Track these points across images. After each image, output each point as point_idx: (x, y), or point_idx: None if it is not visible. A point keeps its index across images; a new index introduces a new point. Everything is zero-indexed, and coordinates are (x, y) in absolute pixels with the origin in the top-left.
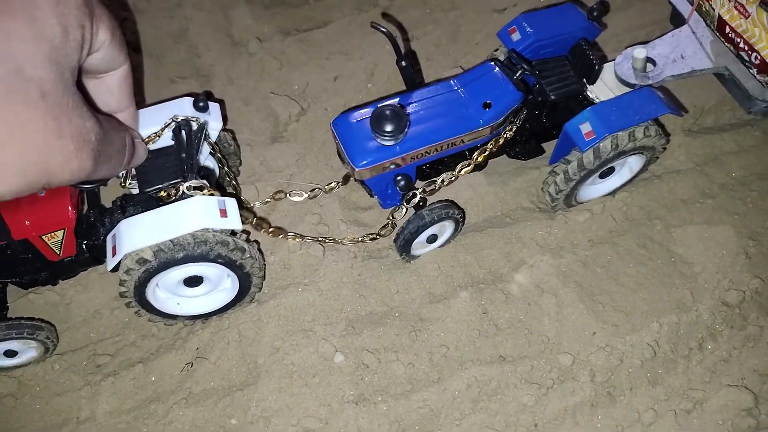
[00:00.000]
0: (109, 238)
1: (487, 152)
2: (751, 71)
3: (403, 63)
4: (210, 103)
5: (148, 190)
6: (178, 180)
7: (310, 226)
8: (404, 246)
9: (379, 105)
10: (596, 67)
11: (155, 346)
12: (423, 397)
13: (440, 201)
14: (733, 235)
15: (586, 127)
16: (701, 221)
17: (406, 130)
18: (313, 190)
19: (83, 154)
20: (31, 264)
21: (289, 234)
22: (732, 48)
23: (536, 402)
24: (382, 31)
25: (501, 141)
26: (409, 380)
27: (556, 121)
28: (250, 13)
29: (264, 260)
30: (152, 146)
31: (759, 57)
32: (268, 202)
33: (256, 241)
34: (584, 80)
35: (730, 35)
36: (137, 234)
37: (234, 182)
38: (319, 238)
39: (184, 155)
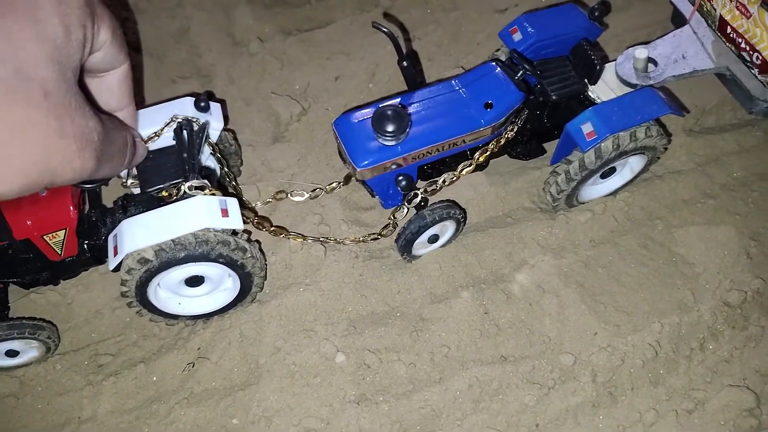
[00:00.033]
0: (110, 237)
1: (488, 152)
2: (753, 71)
3: (405, 63)
4: (211, 103)
5: (150, 189)
6: (180, 180)
7: (312, 226)
8: (405, 246)
9: (381, 105)
10: (597, 67)
11: (157, 345)
12: (424, 397)
13: (441, 201)
14: (734, 235)
15: (587, 127)
16: (702, 221)
17: (407, 130)
18: (315, 190)
19: (86, 153)
20: (33, 264)
21: (291, 233)
22: (733, 48)
23: (538, 402)
24: (383, 31)
25: (502, 141)
26: (410, 380)
27: (557, 121)
28: (251, 13)
29: (265, 260)
30: (153, 146)
31: (760, 57)
32: (269, 202)
33: (258, 241)
34: (585, 80)
35: (731, 35)
36: (139, 234)
37: (234, 182)
38: (321, 238)
39: (185, 155)
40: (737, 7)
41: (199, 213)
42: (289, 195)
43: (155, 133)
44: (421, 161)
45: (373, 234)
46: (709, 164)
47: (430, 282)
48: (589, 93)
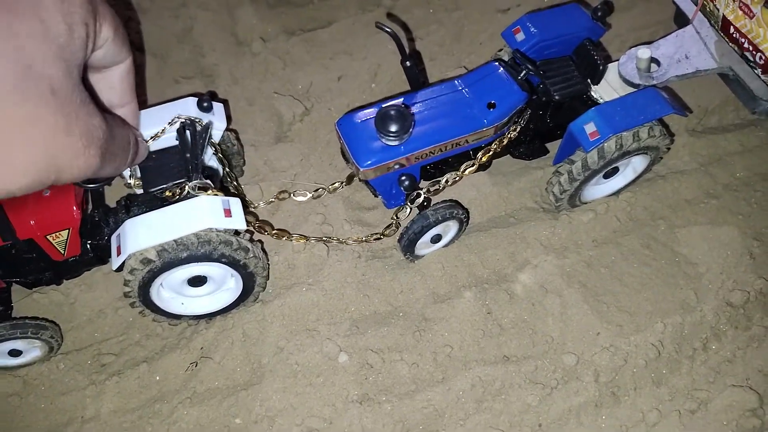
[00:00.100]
0: (113, 237)
1: (491, 152)
2: (756, 71)
3: (408, 63)
4: (214, 104)
5: (153, 189)
6: (183, 180)
7: (314, 225)
8: (408, 246)
9: (384, 105)
10: (600, 68)
11: (160, 345)
12: (427, 397)
13: (444, 201)
14: (737, 235)
15: (590, 128)
16: (705, 221)
17: (410, 130)
18: (317, 190)
19: (91, 150)
20: (36, 264)
21: (293, 236)
22: (736, 48)
23: (540, 402)
24: (386, 31)
25: (505, 141)
26: (413, 380)
27: (560, 121)
28: (254, 13)
29: (268, 260)
30: (156, 146)
31: (763, 57)
32: (272, 202)
33: (260, 241)
34: (588, 80)
35: (734, 35)
36: (142, 234)
37: (236, 182)
38: (324, 238)
39: (188, 155)
40: (740, 7)
41: (202, 213)
42: (291, 195)
43: (158, 133)
44: (424, 161)
45: (376, 234)
46: (711, 164)
47: (432, 282)
48: (592, 93)
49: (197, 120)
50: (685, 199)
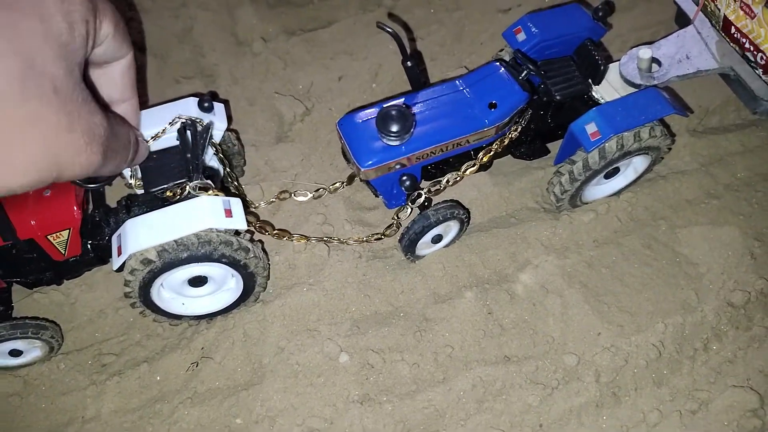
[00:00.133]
0: (114, 237)
1: (492, 152)
2: (757, 72)
3: (409, 63)
4: (215, 104)
5: (154, 190)
6: (184, 180)
7: (315, 226)
8: (409, 246)
9: (385, 105)
10: (602, 68)
11: (160, 345)
12: (428, 397)
13: (445, 201)
14: (738, 235)
15: (591, 128)
16: (706, 222)
17: (411, 130)
18: (318, 190)
19: (93, 148)
20: (36, 264)
21: (294, 236)
22: (737, 48)
23: (541, 402)
24: (387, 31)
25: (506, 141)
26: (414, 380)
27: (561, 121)
28: (254, 13)
29: (268, 260)
30: (157, 146)
31: (764, 57)
32: (272, 202)
33: (260, 241)
34: (589, 80)
35: (735, 36)
36: (143, 234)
37: (236, 183)
38: (324, 238)
39: (189, 155)
40: (741, 8)
41: (203, 213)
42: (292, 195)
43: (158, 133)
44: (425, 161)
45: (377, 234)
46: (712, 164)
47: (433, 282)
48: (593, 93)
49: (198, 120)
50: (686, 200)
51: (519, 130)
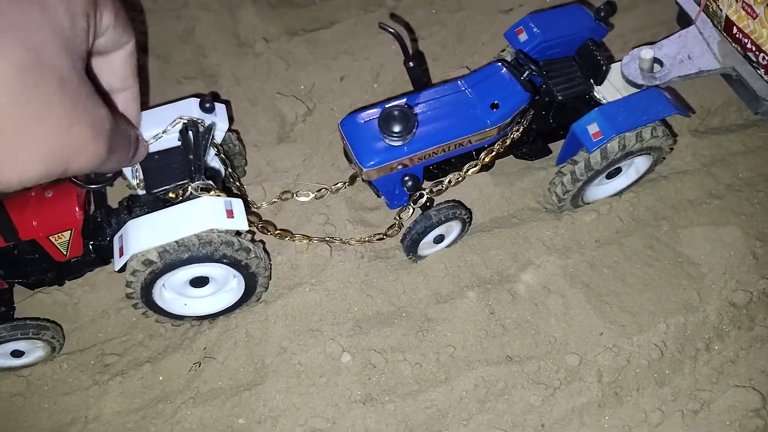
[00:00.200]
0: (116, 238)
1: (494, 153)
2: (759, 72)
3: (411, 63)
4: (216, 104)
5: (155, 190)
6: (185, 181)
7: (317, 226)
8: (411, 246)
9: (387, 105)
10: (603, 68)
11: (163, 345)
12: (430, 397)
13: (447, 201)
14: (740, 235)
15: (593, 128)
16: (708, 222)
17: (413, 130)
18: (320, 190)
19: (99, 141)
20: (38, 264)
21: (296, 236)
22: (739, 49)
23: (543, 402)
24: (390, 32)
25: (508, 141)
26: (416, 380)
27: (563, 121)
28: (256, 14)
29: (270, 260)
30: (159, 147)
31: (766, 58)
32: (274, 202)
33: (261, 241)
34: (591, 81)
35: (737, 36)
36: (144, 234)
37: (238, 183)
38: (326, 238)
39: (191, 156)
40: (743, 8)
41: (205, 214)
42: (294, 195)
43: (159, 134)
44: (428, 161)
45: (379, 234)
46: (714, 165)
47: (435, 282)
48: (595, 93)
49: (200, 121)
50: (688, 200)
51: (521, 130)
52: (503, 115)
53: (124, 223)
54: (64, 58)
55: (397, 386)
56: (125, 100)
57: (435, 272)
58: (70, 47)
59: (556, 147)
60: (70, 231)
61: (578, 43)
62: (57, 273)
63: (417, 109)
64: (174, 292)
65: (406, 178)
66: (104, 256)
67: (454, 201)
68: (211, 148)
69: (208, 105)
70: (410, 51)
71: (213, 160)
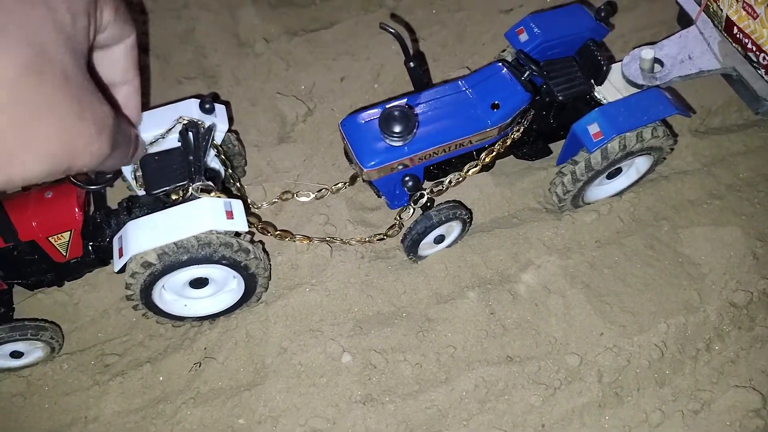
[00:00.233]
0: (115, 239)
1: (494, 153)
2: (759, 72)
3: (412, 64)
4: (216, 105)
5: (155, 191)
6: (185, 182)
7: (317, 226)
8: (412, 246)
9: (388, 106)
10: (604, 68)
11: (163, 346)
12: (430, 398)
13: (448, 201)
14: (740, 236)
15: (593, 128)
16: (708, 222)
17: (414, 131)
18: (320, 190)
19: (103, 136)
20: (38, 265)
21: (296, 236)
22: (740, 49)
23: (544, 402)
24: (390, 32)
25: (508, 142)
26: (416, 380)
27: (563, 121)
28: (256, 14)
29: (269, 260)
30: (158, 148)
31: (767, 58)
32: (275, 202)
33: (261, 242)
34: (592, 81)
35: (738, 36)
36: (144, 235)
37: (237, 184)
38: (327, 239)
39: (191, 157)
40: (744, 8)
41: (205, 215)
42: (294, 195)
43: (162, 134)
44: (428, 162)
45: (379, 234)
46: (715, 165)
47: (436, 282)
48: (596, 94)
49: (200, 122)
50: (688, 200)
51: (521, 130)
52: (504, 116)
53: (124, 224)
54: (67, 55)
55: (397, 386)
56: (127, 93)
57: (435, 272)
58: (72, 45)
59: (557, 147)
60: (69, 232)
61: (579, 43)
62: (56, 274)
63: (417, 110)
64: (174, 294)
65: (407, 179)
66: (104, 257)
67: (454, 201)
68: (212, 149)
69: (208, 106)
70: (411, 51)
71: (213, 161)
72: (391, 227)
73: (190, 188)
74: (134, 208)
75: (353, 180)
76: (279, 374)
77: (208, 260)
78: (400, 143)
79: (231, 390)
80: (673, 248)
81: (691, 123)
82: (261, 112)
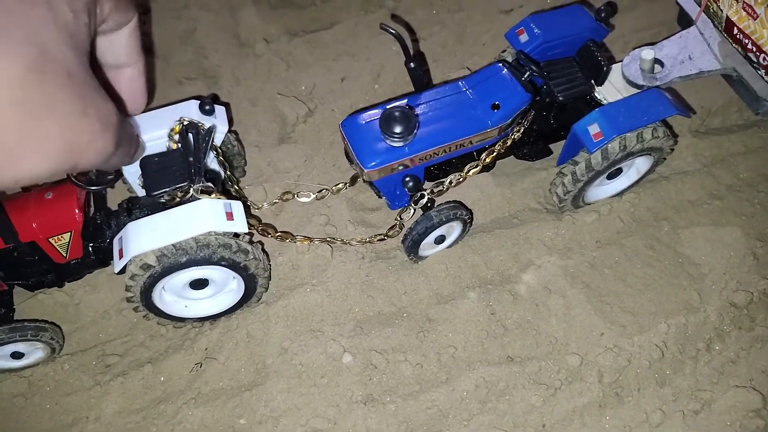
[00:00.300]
0: (115, 240)
1: (495, 153)
2: (759, 72)
3: (412, 64)
4: (216, 106)
5: (155, 193)
6: (186, 183)
7: (318, 226)
8: (412, 247)
9: (388, 106)
10: (604, 68)
11: (164, 346)
12: (431, 398)
13: (448, 202)
14: (740, 236)
15: (594, 129)
16: (708, 222)
17: (415, 131)
18: (321, 191)
19: (107, 134)
20: (38, 266)
21: (297, 237)
22: (740, 49)
23: (544, 403)
24: (391, 33)
25: (509, 142)
26: (417, 380)
27: (564, 122)
28: (257, 14)
29: (269, 260)
30: (158, 149)
31: (767, 58)
32: (275, 203)
33: (260, 242)
34: (592, 81)
35: (738, 36)
36: (144, 237)
37: (237, 186)
38: (327, 239)
39: (191, 158)
40: (744, 8)
41: (205, 216)
42: (295, 196)
43: (166, 135)
44: (429, 162)
45: (380, 235)
46: (715, 165)
47: (436, 282)
48: (596, 94)
49: (200, 123)
50: (689, 200)
51: (522, 131)
52: (504, 116)
53: (124, 225)
54: (69, 53)
55: (398, 387)
56: (131, 75)
57: (436, 273)
58: (75, 42)
59: (557, 147)
60: (69, 233)
61: (579, 43)
62: (57, 275)
63: (418, 110)
64: (174, 295)
65: (407, 179)
66: (104, 258)
67: (455, 201)
68: (211, 150)
69: (207, 107)
70: (411, 52)
71: (212, 163)
72: (392, 228)
73: (191, 189)
74: (134, 209)
75: (354, 180)
76: (280, 374)
77: (207, 261)
78: (400, 144)
79: (232, 390)
80: (674, 248)
81: (691, 123)
82: (261, 113)
